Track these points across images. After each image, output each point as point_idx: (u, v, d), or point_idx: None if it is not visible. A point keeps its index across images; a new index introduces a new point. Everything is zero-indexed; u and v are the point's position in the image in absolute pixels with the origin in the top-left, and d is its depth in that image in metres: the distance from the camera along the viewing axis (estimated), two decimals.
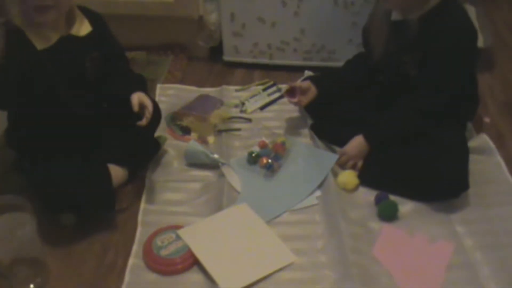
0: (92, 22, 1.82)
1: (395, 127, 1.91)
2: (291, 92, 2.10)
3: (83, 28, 1.80)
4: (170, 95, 2.39)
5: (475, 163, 1.92)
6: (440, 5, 1.83)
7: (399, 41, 1.90)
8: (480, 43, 2.48)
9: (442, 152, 1.82)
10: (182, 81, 2.49)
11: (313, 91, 2.09)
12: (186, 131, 2.17)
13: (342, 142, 1.99)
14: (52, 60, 1.71)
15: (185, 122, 2.19)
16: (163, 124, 2.13)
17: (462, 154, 1.86)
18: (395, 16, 1.91)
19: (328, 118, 2.10)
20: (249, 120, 2.24)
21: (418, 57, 1.86)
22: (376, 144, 1.93)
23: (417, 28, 1.83)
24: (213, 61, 2.62)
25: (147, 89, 1.90)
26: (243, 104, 2.32)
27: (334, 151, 2.03)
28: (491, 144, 2.06)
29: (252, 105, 2.32)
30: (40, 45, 1.71)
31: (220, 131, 2.18)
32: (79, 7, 1.81)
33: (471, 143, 1.98)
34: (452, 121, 1.92)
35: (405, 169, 1.86)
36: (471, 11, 2.73)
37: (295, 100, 2.09)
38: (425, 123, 1.88)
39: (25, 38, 1.70)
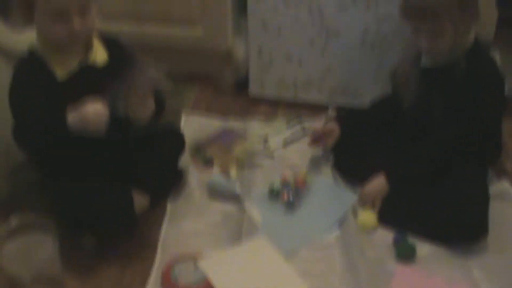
0: (109, 49, 1.86)
1: (415, 168, 1.93)
2: (315, 139, 2.13)
3: (100, 55, 1.84)
4: (194, 126, 2.42)
5: (495, 209, 1.91)
6: (469, 52, 1.87)
7: (428, 85, 1.92)
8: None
9: (463, 196, 1.82)
10: (207, 113, 2.52)
11: (337, 132, 2.11)
12: (209, 162, 2.19)
13: (363, 181, 2.00)
14: (72, 91, 1.73)
15: (209, 153, 2.22)
16: (186, 155, 2.16)
17: (483, 199, 1.86)
18: (425, 62, 1.93)
19: (350, 156, 2.12)
20: (271, 155, 2.26)
21: (446, 101, 1.89)
22: (396, 183, 1.94)
23: (446, 73, 1.87)
24: (238, 95, 2.65)
25: (163, 111, 1.91)
26: (266, 139, 2.34)
27: (355, 189, 2.04)
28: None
29: (275, 141, 2.34)
30: (60, 71, 1.75)
31: (242, 165, 2.20)
32: (97, 34, 1.84)
33: (492, 189, 1.97)
34: (474, 165, 1.93)
35: (424, 210, 1.87)
36: (495, 58, 2.75)
37: (320, 146, 2.12)
38: (445, 165, 1.89)
39: (45, 67, 1.75)
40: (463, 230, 1.80)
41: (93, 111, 1.62)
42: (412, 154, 1.94)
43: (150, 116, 1.79)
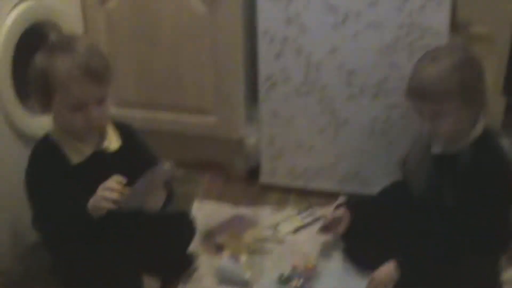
0: (122, 136, 1.91)
1: (427, 258, 1.91)
2: (325, 227, 2.14)
3: (114, 142, 1.89)
4: (206, 212, 2.43)
5: None
6: (479, 140, 1.89)
7: (438, 174, 1.94)
8: None
9: (473, 286, 1.81)
10: (218, 199, 2.54)
11: (348, 219, 2.12)
12: (219, 248, 2.19)
13: (374, 268, 1.98)
14: (85, 175, 1.78)
15: (219, 239, 2.23)
16: (197, 240, 2.17)
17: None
18: (436, 149, 1.96)
19: (361, 243, 2.11)
20: (281, 242, 2.26)
21: (457, 190, 1.90)
22: (408, 272, 1.92)
23: (456, 161, 1.88)
24: (250, 182, 2.68)
25: (171, 205, 1.94)
26: (277, 226, 2.35)
27: (366, 276, 2.02)
28: None
29: (285, 228, 2.35)
30: (75, 158, 1.81)
31: (253, 251, 2.20)
32: (110, 120, 1.90)
33: (505, 276, 1.96)
34: (485, 254, 1.91)
35: None
36: (505, 143, 2.77)
37: (329, 233, 2.14)
38: (459, 256, 1.88)
39: (60, 152, 1.80)
40: None
41: (102, 190, 1.68)
42: (423, 245, 1.92)
43: (161, 205, 1.82)
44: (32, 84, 1.79)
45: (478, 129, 1.90)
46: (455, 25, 2.70)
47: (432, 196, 1.97)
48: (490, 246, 1.91)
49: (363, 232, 2.11)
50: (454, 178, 1.91)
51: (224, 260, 2.08)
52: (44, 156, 1.82)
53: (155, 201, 1.79)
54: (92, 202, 1.70)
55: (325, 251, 2.20)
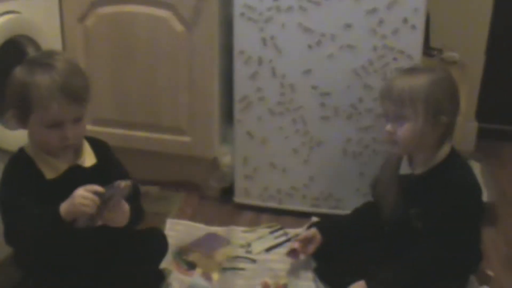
0: (97, 152, 1.91)
1: (398, 280, 1.91)
2: (293, 252, 2.16)
3: (89, 158, 1.88)
4: (179, 230, 2.43)
5: None
6: (446, 161, 1.92)
7: (406, 195, 1.96)
8: (484, 198, 2.54)
9: None
10: (192, 218, 2.54)
11: (318, 239, 2.13)
12: (191, 266, 2.19)
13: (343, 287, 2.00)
14: (60, 190, 1.77)
15: (191, 257, 2.23)
16: (169, 257, 2.16)
17: None
18: (404, 170, 1.99)
19: (332, 263, 2.12)
20: (254, 260, 2.27)
21: (425, 211, 1.91)
22: None
23: (423, 183, 1.91)
24: (223, 202, 2.69)
25: (138, 222, 1.93)
26: (249, 245, 2.36)
27: None
28: None
29: (258, 247, 2.35)
30: (49, 174, 1.80)
31: (224, 269, 2.20)
32: (85, 137, 1.89)
33: None
34: (454, 275, 1.93)
35: None
36: (476, 167, 2.82)
37: (298, 259, 2.16)
38: (430, 278, 1.89)
39: (35, 167, 1.79)
40: None
41: (80, 193, 1.67)
42: (392, 269, 1.92)
43: (127, 222, 1.81)
44: (9, 99, 1.78)
45: (445, 151, 1.93)
46: (428, 50, 2.75)
47: (400, 218, 1.98)
48: (459, 269, 1.94)
49: (334, 253, 2.12)
50: (421, 199, 1.93)
51: (196, 277, 2.08)
52: (18, 170, 1.80)
53: (118, 220, 1.78)
54: (67, 206, 1.67)
55: (296, 270, 2.20)
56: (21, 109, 1.74)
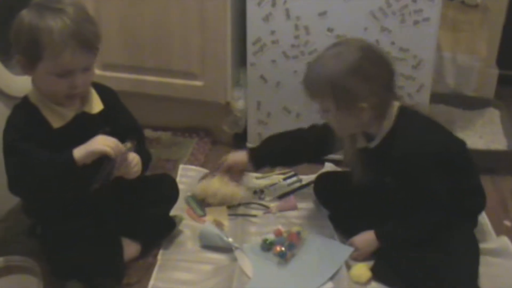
0: (104, 99, 1.86)
1: (404, 233, 1.91)
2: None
3: (96, 105, 1.84)
4: (191, 176, 2.40)
5: (490, 266, 1.89)
6: (394, 129, 1.87)
7: (372, 166, 1.93)
8: (504, 146, 2.49)
9: (448, 255, 1.82)
10: (204, 165, 2.52)
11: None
12: (203, 212, 2.17)
13: (357, 233, 1.99)
14: (67, 138, 1.73)
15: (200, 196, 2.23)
16: (181, 204, 2.14)
17: (470, 256, 1.85)
18: (359, 144, 1.96)
19: (343, 210, 2.10)
20: (267, 207, 2.24)
21: (394, 177, 1.91)
22: (387, 244, 1.92)
23: (380, 155, 1.89)
24: (236, 147, 2.65)
25: (147, 167, 1.91)
26: (262, 191, 2.33)
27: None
28: (511, 247, 1.99)
29: (271, 193, 2.32)
30: (56, 123, 1.75)
31: (236, 216, 2.18)
32: (92, 83, 1.84)
33: (489, 244, 1.96)
34: (458, 219, 1.91)
35: (413, 271, 1.84)
36: (495, 115, 2.76)
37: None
38: (433, 231, 1.88)
39: (41, 116, 1.74)
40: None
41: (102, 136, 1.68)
42: (400, 222, 1.91)
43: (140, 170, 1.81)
44: (16, 44, 1.71)
45: (388, 122, 1.87)
46: None
47: (374, 184, 1.95)
48: (462, 209, 1.92)
49: (344, 200, 2.09)
50: (387, 170, 1.91)
51: (207, 224, 2.06)
52: (23, 118, 1.75)
53: (131, 172, 1.78)
54: (83, 149, 1.65)
55: (310, 218, 2.18)
56: (30, 56, 1.67)
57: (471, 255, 1.86)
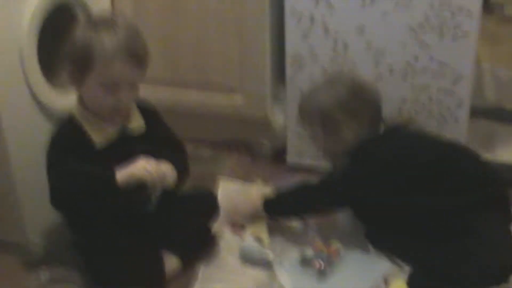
0: (145, 116, 1.91)
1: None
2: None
3: (138, 123, 1.89)
4: (231, 190, 2.42)
5: None
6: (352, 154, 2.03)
7: None
8: None
9: (484, 251, 1.81)
10: (244, 179, 2.53)
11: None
12: (242, 228, 2.19)
13: (396, 251, 2.00)
14: (108, 155, 1.78)
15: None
16: (221, 218, 2.16)
17: (507, 249, 1.85)
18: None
19: (380, 227, 2.10)
20: (306, 222, 2.24)
21: None
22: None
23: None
24: (276, 162, 2.67)
25: (184, 181, 1.95)
26: None
27: (387, 260, 2.01)
28: None
29: None
30: (98, 139, 1.80)
31: (275, 230, 2.18)
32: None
33: None
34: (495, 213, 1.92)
35: (449, 278, 1.82)
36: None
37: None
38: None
39: (83, 132, 1.80)
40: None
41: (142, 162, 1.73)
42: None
43: (175, 181, 1.85)
44: (68, 57, 1.79)
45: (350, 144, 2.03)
46: (489, 6, 2.64)
47: None
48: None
49: (381, 216, 2.08)
50: None
51: (248, 240, 2.07)
52: (67, 135, 1.82)
53: (165, 184, 1.83)
54: (128, 168, 1.71)
55: (348, 233, 2.18)
56: (80, 66, 1.75)
57: (507, 247, 1.86)
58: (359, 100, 2.07)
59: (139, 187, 1.73)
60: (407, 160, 1.98)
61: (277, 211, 2.14)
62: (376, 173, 1.98)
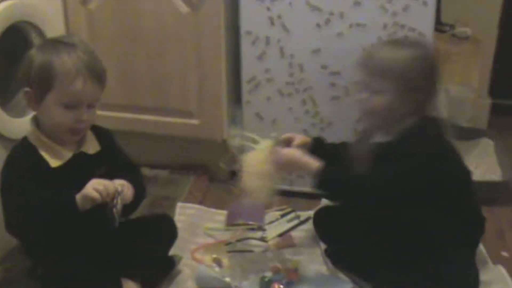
0: (100, 139, 1.90)
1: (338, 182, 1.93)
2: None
3: (93, 146, 1.87)
4: (189, 214, 2.41)
5: None
6: (408, 132, 1.89)
7: (375, 161, 1.94)
8: (498, 176, 2.51)
9: (453, 281, 1.83)
10: (202, 202, 2.52)
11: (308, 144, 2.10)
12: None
13: (356, 269, 1.99)
14: (64, 178, 1.76)
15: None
16: (180, 242, 2.13)
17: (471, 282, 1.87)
18: (374, 139, 1.99)
19: (341, 244, 2.10)
20: (265, 242, 2.24)
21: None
22: (318, 181, 1.91)
23: (385, 152, 1.90)
24: (233, 184, 2.66)
25: (139, 203, 1.90)
26: (264, 230, 2.32)
27: (347, 278, 2.01)
28: (507, 277, 1.99)
29: (272, 232, 2.31)
30: (54, 162, 1.78)
31: (234, 252, 2.18)
32: None
33: (486, 275, 1.96)
34: (458, 246, 1.91)
35: None
36: (490, 145, 2.77)
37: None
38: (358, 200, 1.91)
39: (39, 155, 1.77)
40: None
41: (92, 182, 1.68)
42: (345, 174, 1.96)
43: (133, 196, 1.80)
44: (24, 79, 1.75)
45: (409, 122, 1.90)
46: (439, 26, 2.70)
47: None
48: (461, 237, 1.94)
49: (342, 233, 2.10)
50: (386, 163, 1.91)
51: (202, 267, 2.05)
52: (22, 158, 1.78)
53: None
54: (82, 192, 1.68)
55: (307, 253, 2.18)
56: (39, 86, 1.72)
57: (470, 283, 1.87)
58: (436, 65, 1.95)
59: (98, 206, 1.70)
60: (449, 167, 1.92)
61: (331, 181, 1.94)
62: (422, 170, 1.87)
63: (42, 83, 1.72)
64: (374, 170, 1.92)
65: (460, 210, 1.95)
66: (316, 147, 2.10)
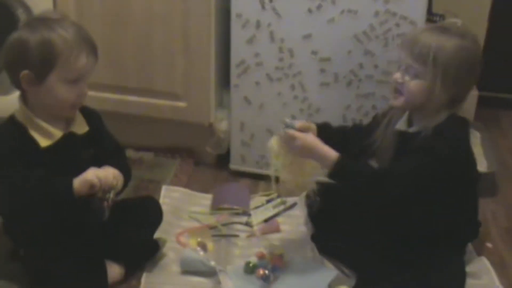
0: (89, 121, 1.87)
1: (355, 173, 1.88)
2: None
3: (82, 126, 1.85)
4: (174, 197, 2.39)
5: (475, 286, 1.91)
6: (440, 126, 1.86)
7: (400, 149, 1.93)
8: (484, 168, 2.51)
9: (437, 280, 1.83)
10: (187, 185, 2.50)
11: (313, 130, 2.05)
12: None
13: (342, 257, 2.00)
14: (53, 158, 1.74)
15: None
16: (165, 225, 2.12)
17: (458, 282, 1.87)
18: (400, 126, 1.96)
19: (330, 231, 2.10)
20: (250, 227, 2.24)
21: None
22: (334, 171, 1.86)
23: (412, 142, 1.87)
24: (219, 168, 2.65)
25: (125, 187, 1.88)
26: (249, 215, 2.32)
27: (333, 265, 2.02)
28: (491, 269, 2.01)
29: (257, 217, 2.31)
30: (43, 142, 1.75)
31: (219, 237, 2.17)
32: None
33: (470, 267, 1.97)
34: (449, 245, 1.92)
35: None
36: (476, 137, 2.78)
37: None
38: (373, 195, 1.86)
39: (28, 135, 1.75)
40: None
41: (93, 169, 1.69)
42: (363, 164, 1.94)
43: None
44: (24, 61, 1.69)
45: (442, 116, 1.87)
46: (430, 16, 2.69)
47: None
48: (455, 234, 1.94)
49: (332, 220, 2.09)
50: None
51: (187, 250, 2.04)
52: (10, 137, 1.75)
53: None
54: (80, 177, 1.68)
55: (294, 240, 2.18)
56: (41, 68, 1.69)
57: (458, 279, 1.88)
58: (479, 62, 1.89)
59: (91, 195, 1.69)
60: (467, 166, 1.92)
61: (348, 174, 1.89)
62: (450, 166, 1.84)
63: (45, 63, 1.68)
64: (396, 162, 1.90)
65: (463, 210, 1.96)
66: (323, 133, 2.04)
